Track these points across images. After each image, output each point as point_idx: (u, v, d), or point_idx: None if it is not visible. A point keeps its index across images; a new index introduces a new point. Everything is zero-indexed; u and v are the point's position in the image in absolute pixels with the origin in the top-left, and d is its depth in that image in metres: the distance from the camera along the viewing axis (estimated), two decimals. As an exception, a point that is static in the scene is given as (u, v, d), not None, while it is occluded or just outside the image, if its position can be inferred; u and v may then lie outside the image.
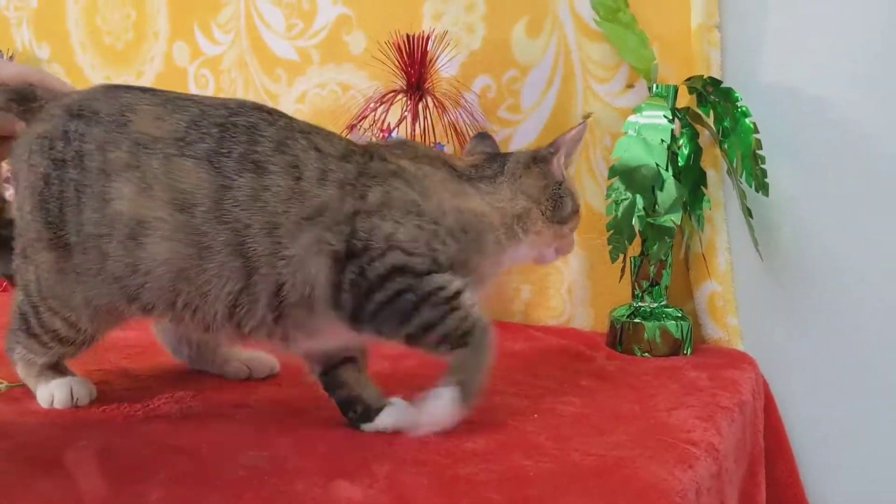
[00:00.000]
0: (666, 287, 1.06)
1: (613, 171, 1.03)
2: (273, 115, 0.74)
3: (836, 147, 1.04)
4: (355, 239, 0.69)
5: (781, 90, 1.06)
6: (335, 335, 0.73)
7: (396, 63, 1.14)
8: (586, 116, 1.15)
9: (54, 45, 1.64)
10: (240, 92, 1.43)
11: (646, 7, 1.09)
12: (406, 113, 1.14)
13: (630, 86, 1.13)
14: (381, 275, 0.69)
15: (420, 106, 1.14)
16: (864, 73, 1.02)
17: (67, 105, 0.73)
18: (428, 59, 1.14)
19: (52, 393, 0.78)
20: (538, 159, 0.83)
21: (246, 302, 0.70)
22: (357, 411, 0.73)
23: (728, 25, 1.08)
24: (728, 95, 1.01)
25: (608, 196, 1.04)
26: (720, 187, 1.09)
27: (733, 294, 1.09)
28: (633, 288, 1.07)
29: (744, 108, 1.00)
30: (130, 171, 0.69)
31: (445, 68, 1.18)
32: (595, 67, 1.15)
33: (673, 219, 1.01)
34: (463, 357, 0.71)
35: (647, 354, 1.02)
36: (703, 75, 1.04)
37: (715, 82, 1.03)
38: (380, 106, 1.14)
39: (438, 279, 0.71)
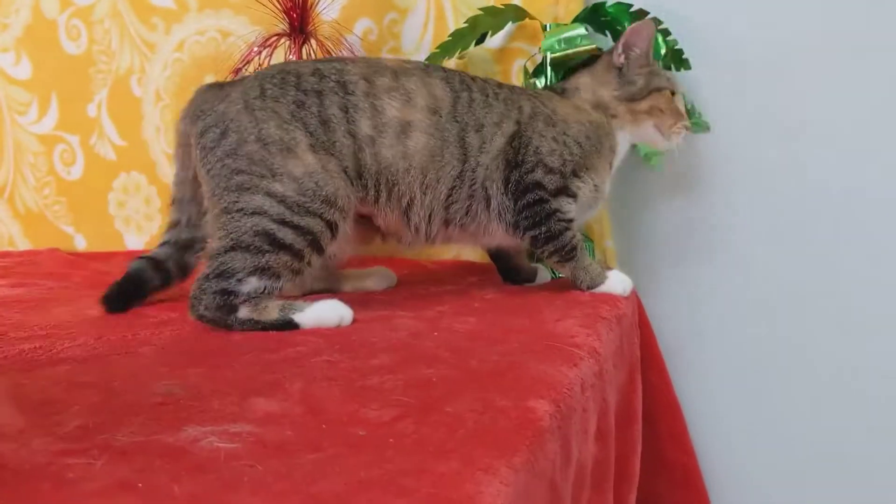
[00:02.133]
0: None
1: None
2: None
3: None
4: (517, 151, 0.97)
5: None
6: (496, 236, 1.01)
7: (278, 6, 1.15)
8: (460, 57, 1.20)
9: None
10: (115, 43, 1.40)
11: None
12: (290, 56, 1.15)
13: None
14: (528, 185, 0.96)
15: (304, 49, 1.16)
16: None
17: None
18: (309, 2, 1.15)
19: None
20: (604, 57, 1.06)
21: (458, 185, 0.96)
22: (519, 276, 1.10)
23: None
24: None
25: None
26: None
27: (609, 219, 1.17)
28: None
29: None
30: (395, 92, 0.94)
31: (326, 12, 1.20)
32: (465, 8, 1.19)
33: None
34: (574, 269, 1.00)
35: (561, 275, 1.09)
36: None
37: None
38: (263, 50, 1.15)
39: (564, 203, 0.98)
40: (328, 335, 0.83)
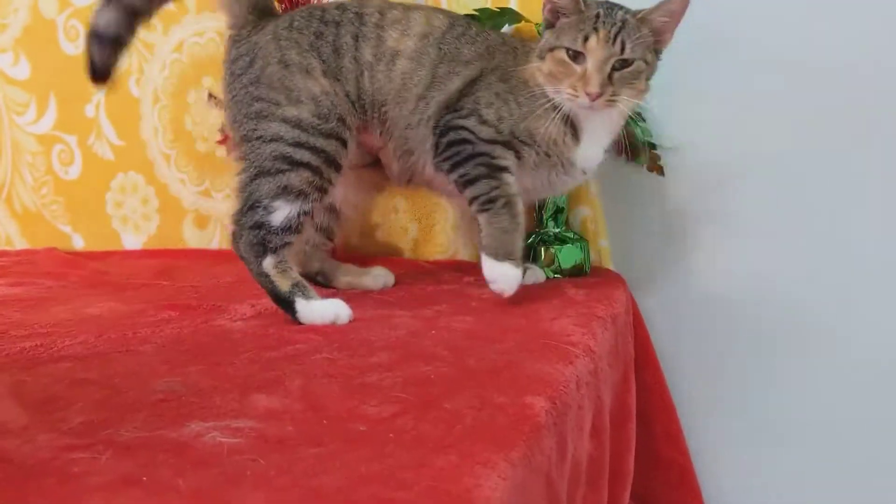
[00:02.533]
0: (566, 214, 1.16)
1: None
2: None
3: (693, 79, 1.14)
4: (461, 97, 0.97)
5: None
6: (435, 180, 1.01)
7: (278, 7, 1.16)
8: None
9: None
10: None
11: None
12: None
13: None
14: (454, 126, 0.96)
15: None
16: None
17: None
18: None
19: None
20: None
21: (415, 111, 0.97)
22: None
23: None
24: None
25: None
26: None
27: (604, 218, 1.18)
28: (540, 216, 1.14)
29: None
30: (399, 23, 0.98)
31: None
32: (459, 9, 1.20)
33: None
34: (487, 224, 0.94)
35: (557, 276, 1.10)
36: None
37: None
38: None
39: (498, 150, 0.95)
40: (327, 333, 0.84)
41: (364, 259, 1.27)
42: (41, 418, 0.62)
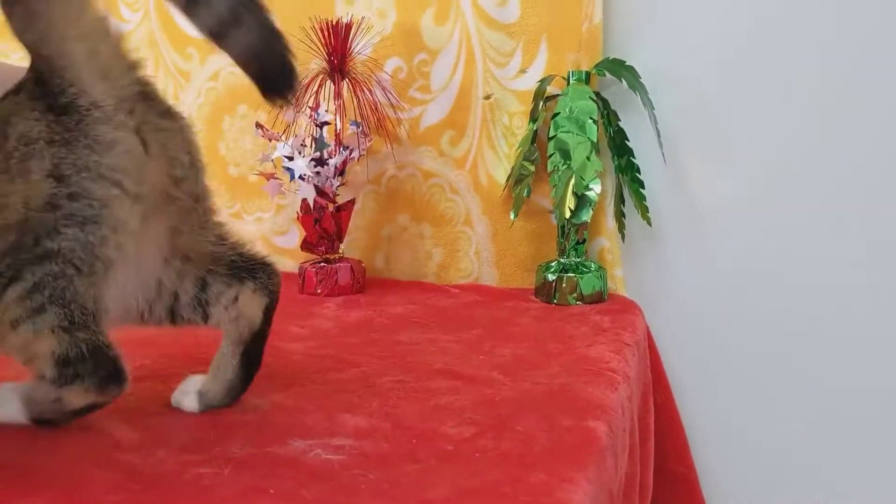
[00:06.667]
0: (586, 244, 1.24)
1: (553, 147, 1.18)
2: None
3: (702, 120, 1.23)
4: None
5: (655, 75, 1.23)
6: None
7: (320, 47, 1.23)
8: (487, 97, 1.29)
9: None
10: (150, 70, 1.47)
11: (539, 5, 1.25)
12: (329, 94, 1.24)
13: (523, 71, 1.28)
14: None
15: (341, 86, 1.24)
16: (727, 59, 1.21)
17: None
18: (350, 44, 1.24)
19: None
20: None
21: None
22: None
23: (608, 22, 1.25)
24: (633, 72, 1.19)
25: (550, 170, 1.18)
26: (606, 156, 1.26)
27: (619, 249, 1.27)
28: (562, 246, 1.22)
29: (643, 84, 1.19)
30: None
31: (362, 50, 1.28)
32: (493, 53, 1.28)
33: (595, 189, 1.17)
34: None
35: (579, 302, 1.18)
36: (608, 57, 1.21)
37: (620, 62, 1.20)
38: (311, 87, 1.24)
39: None
40: (383, 356, 0.91)
41: (388, 284, 1.35)
42: (150, 435, 0.68)
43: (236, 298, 0.75)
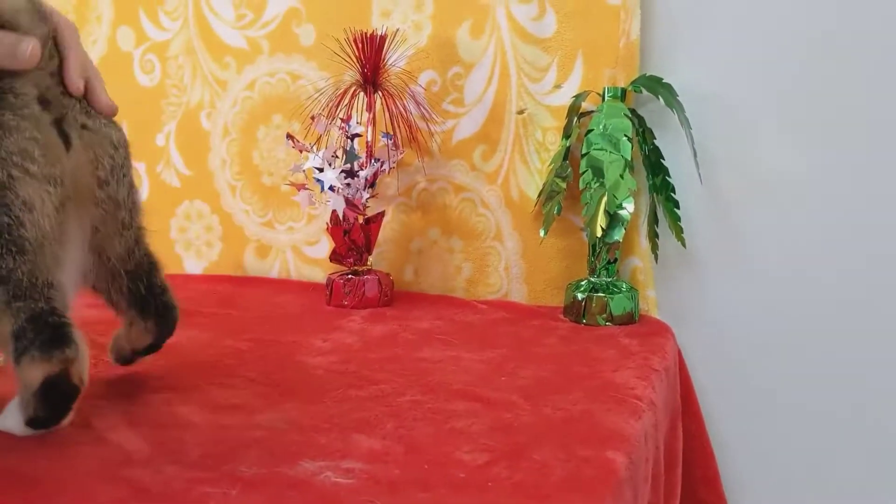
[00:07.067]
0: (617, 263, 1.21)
1: (586, 165, 1.16)
2: None
3: (741, 140, 1.20)
4: None
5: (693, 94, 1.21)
6: None
7: (353, 58, 1.23)
8: (520, 112, 1.27)
9: (-13, 24, 1.62)
10: (187, 77, 1.48)
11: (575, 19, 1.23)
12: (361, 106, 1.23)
13: (558, 86, 1.26)
14: None
15: (373, 98, 1.23)
16: (771, 82, 1.18)
17: None
18: (383, 56, 1.23)
19: None
20: None
21: None
22: None
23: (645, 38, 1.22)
24: (670, 90, 1.16)
25: (582, 187, 1.16)
26: (640, 175, 1.23)
27: (652, 269, 1.24)
28: (593, 265, 1.20)
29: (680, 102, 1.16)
30: None
31: (395, 62, 1.28)
32: (528, 68, 1.27)
33: (628, 208, 1.14)
34: None
35: (608, 323, 1.15)
36: (645, 74, 1.19)
37: (657, 79, 1.17)
38: (343, 99, 1.23)
39: None
40: (404, 374, 0.90)
41: (416, 297, 1.33)
42: (161, 449, 0.67)
43: (131, 324, 0.83)
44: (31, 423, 0.69)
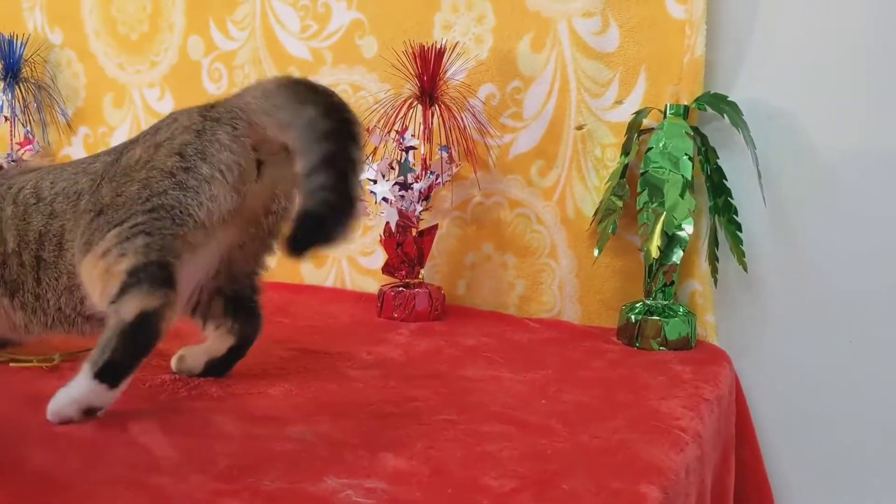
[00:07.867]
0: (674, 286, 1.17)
1: (643, 184, 1.13)
2: None
3: (807, 161, 1.15)
4: None
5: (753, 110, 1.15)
6: None
7: (411, 71, 1.22)
8: (579, 127, 1.25)
9: (67, 31, 1.69)
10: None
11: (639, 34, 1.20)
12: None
13: (619, 101, 1.23)
14: None
15: (430, 111, 1.23)
16: (838, 101, 1.12)
17: None
18: (441, 69, 1.22)
19: None
20: None
21: None
22: None
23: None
24: (735, 108, 1.12)
25: (639, 207, 1.13)
26: (701, 195, 1.19)
27: (712, 293, 1.19)
28: (649, 287, 1.16)
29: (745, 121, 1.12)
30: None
31: (454, 75, 1.27)
32: (589, 83, 1.24)
33: (687, 229, 1.11)
34: None
35: (662, 348, 1.12)
36: (709, 91, 1.15)
37: (721, 97, 1.13)
38: (400, 112, 1.23)
39: None
40: (442, 392, 0.88)
41: (467, 312, 1.32)
42: (190, 458, 0.68)
43: (217, 327, 0.92)
44: (101, 372, 0.74)
